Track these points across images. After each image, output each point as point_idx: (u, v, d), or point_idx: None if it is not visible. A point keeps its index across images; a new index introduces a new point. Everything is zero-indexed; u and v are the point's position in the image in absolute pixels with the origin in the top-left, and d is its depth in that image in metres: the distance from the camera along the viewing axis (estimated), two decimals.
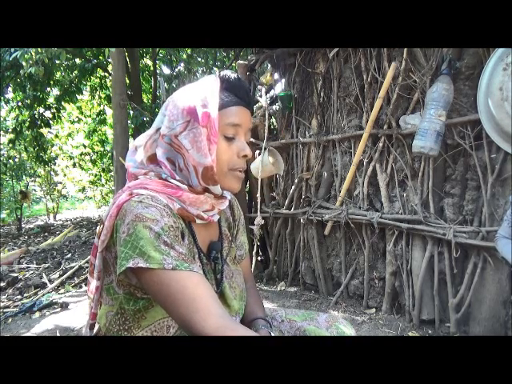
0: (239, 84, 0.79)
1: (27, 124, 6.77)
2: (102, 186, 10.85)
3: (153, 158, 0.80)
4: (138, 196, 0.70)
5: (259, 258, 3.52)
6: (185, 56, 7.78)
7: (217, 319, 0.62)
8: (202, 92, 0.75)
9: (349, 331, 0.90)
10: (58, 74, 7.13)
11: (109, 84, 7.66)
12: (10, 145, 7.14)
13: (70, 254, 4.64)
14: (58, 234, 6.13)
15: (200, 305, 0.62)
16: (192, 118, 0.74)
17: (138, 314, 0.73)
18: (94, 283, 0.77)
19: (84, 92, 8.11)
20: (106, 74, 7.50)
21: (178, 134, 0.75)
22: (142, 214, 0.67)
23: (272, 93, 3.34)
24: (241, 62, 3.23)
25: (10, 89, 6.65)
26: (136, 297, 0.73)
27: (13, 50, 3.81)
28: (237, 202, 1.02)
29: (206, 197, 0.79)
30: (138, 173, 0.80)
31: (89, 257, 4.05)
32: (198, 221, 0.80)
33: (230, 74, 0.79)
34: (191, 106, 0.74)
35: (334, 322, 0.91)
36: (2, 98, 6.79)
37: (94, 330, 0.80)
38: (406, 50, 2.22)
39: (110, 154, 9.49)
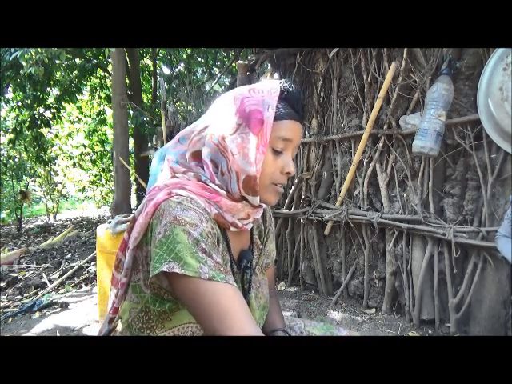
0: (298, 98, 0.76)
1: (27, 124, 6.79)
2: (102, 185, 10.86)
3: (196, 156, 0.77)
4: (177, 196, 0.68)
5: None
6: (185, 56, 7.79)
7: None
8: (261, 97, 0.72)
9: None
10: (58, 74, 7.14)
11: (109, 84, 7.67)
12: (10, 145, 7.15)
13: (70, 254, 4.64)
14: (58, 234, 6.13)
15: (234, 321, 0.60)
16: (244, 122, 0.70)
17: (163, 315, 0.71)
18: (120, 279, 0.75)
19: (84, 92, 8.12)
20: (106, 74, 7.52)
21: (227, 136, 0.71)
22: (181, 217, 0.64)
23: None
24: (241, 61, 3.23)
25: (10, 89, 6.66)
26: (163, 298, 0.71)
27: (13, 50, 3.81)
28: (269, 209, 0.97)
29: (243, 205, 0.76)
30: (176, 169, 0.77)
31: (89, 256, 4.06)
32: (232, 228, 0.77)
33: (291, 85, 0.76)
34: (246, 110, 0.71)
35: None
36: (2, 97, 6.80)
37: (112, 324, 0.79)
38: (405, 50, 2.23)
39: (109, 154, 9.50)
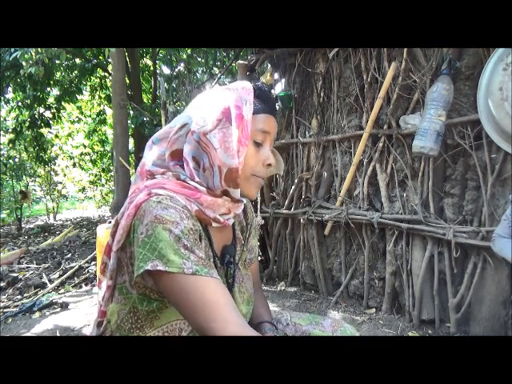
0: (270, 95, 0.81)
1: (27, 124, 6.79)
2: (102, 185, 10.87)
3: (175, 155, 0.78)
4: (156, 196, 0.69)
5: (259, 258, 3.53)
6: (185, 56, 7.79)
7: (235, 328, 0.61)
8: (238, 94, 0.76)
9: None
10: (58, 74, 7.14)
11: (109, 84, 7.67)
12: (10, 145, 7.15)
13: (70, 254, 4.64)
14: (58, 234, 6.13)
15: (218, 314, 0.61)
16: (224, 117, 0.73)
17: (151, 314, 0.72)
18: (105, 282, 0.76)
19: (84, 92, 8.12)
20: (106, 74, 7.51)
21: (208, 132, 0.73)
22: (162, 216, 0.65)
23: (272, 93, 3.35)
24: (241, 61, 3.23)
25: (10, 89, 6.66)
26: (150, 298, 0.72)
27: (13, 50, 3.81)
28: (250, 205, 1.00)
29: (224, 200, 0.77)
30: (155, 171, 0.78)
31: (89, 256, 4.06)
32: (214, 224, 0.78)
33: (262, 84, 0.81)
34: (225, 106, 0.74)
35: (340, 327, 0.91)
36: (2, 97, 6.80)
37: (102, 328, 0.79)
38: (405, 49, 2.23)
39: (109, 154, 9.51)
